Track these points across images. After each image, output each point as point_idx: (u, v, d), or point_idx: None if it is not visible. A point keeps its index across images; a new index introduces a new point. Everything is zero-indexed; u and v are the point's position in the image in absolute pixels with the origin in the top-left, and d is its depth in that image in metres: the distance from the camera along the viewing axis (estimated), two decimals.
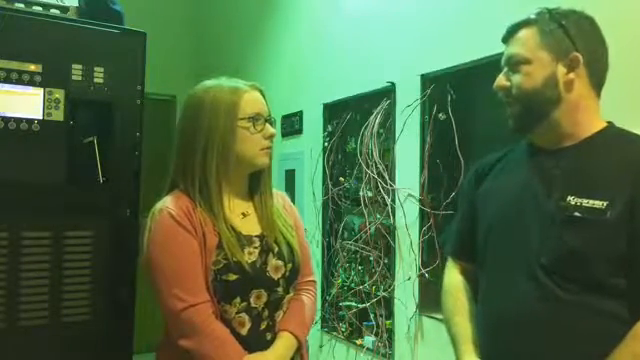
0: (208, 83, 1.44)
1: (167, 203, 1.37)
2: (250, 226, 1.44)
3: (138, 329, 1.80)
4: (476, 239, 1.38)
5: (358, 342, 2.57)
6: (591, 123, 1.25)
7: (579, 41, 1.23)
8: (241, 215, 1.44)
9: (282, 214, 1.52)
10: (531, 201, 1.25)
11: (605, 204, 1.14)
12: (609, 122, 1.27)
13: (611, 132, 1.25)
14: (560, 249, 1.18)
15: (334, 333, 2.76)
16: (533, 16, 1.26)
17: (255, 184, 1.49)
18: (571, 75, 1.22)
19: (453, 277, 1.46)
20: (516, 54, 1.25)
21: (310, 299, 1.52)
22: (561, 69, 1.22)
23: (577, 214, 1.16)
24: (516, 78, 1.26)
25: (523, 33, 1.26)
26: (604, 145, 1.22)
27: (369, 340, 2.49)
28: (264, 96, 1.47)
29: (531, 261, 1.21)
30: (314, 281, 1.58)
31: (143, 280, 1.80)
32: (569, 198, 1.18)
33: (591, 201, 1.15)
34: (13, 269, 1.58)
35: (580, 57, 1.22)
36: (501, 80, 1.29)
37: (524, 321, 1.21)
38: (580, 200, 1.17)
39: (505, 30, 1.31)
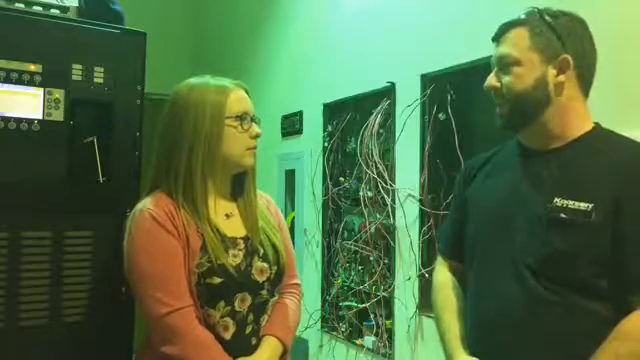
0: (192, 81, 1.41)
1: (148, 204, 1.34)
2: (234, 228, 1.41)
3: (138, 329, 1.80)
4: (465, 239, 1.39)
5: (358, 342, 2.57)
6: (579, 124, 1.25)
7: (569, 43, 1.23)
8: (225, 216, 1.41)
9: (266, 215, 1.49)
10: (519, 202, 1.25)
11: (590, 206, 1.15)
12: (596, 123, 1.28)
13: (598, 134, 1.26)
14: (546, 250, 1.18)
15: (334, 333, 2.76)
16: (523, 16, 1.26)
17: (239, 185, 1.46)
18: (561, 77, 1.23)
19: (443, 275, 1.48)
20: (507, 55, 1.25)
21: (295, 302, 1.50)
22: (551, 71, 1.23)
23: (563, 216, 1.17)
24: (506, 79, 1.26)
25: (514, 33, 1.26)
26: (591, 147, 1.23)
27: (369, 340, 2.49)
28: (249, 95, 1.44)
29: (518, 262, 1.22)
30: (299, 284, 1.55)
31: None
32: (556, 200, 1.18)
33: (577, 203, 1.16)
34: (13, 269, 1.57)
35: (570, 59, 1.22)
36: (491, 80, 1.29)
37: (510, 321, 1.22)
38: (566, 202, 1.17)
39: (497, 28, 1.30)
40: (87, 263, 1.68)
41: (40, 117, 1.64)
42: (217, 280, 1.32)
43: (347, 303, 2.67)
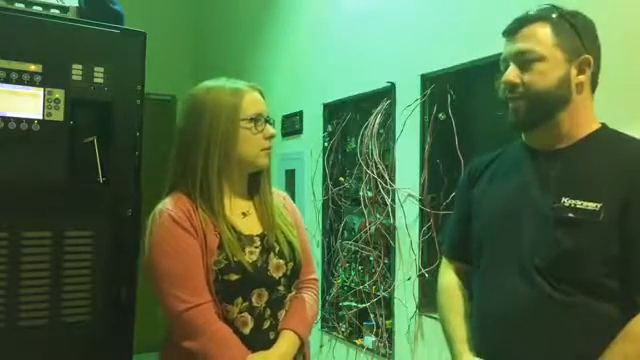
0: (208, 84, 1.44)
1: (167, 205, 1.38)
2: (251, 226, 1.44)
3: (138, 329, 1.80)
4: (470, 240, 1.38)
5: (358, 342, 2.57)
6: (588, 124, 1.25)
7: (588, 43, 1.22)
8: (241, 215, 1.45)
9: (282, 213, 1.52)
10: (526, 202, 1.25)
11: (599, 206, 1.14)
12: (602, 123, 1.27)
13: (605, 133, 1.26)
14: (554, 250, 1.18)
15: (334, 333, 2.76)
16: (543, 13, 1.24)
17: (255, 184, 1.49)
18: (581, 77, 1.22)
19: (448, 277, 1.47)
20: (530, 50, 1.21)
21: (312, 297, 1.53)
22: (573, 70, 1.22)
23: (571, 215, 1.16)
24: (528, 75, 1.22)
25: (536, 29, 1.22)
26: (598, 146, 1.23)
27: (369, 340, 2.49)
28: (263, 96, 1.48)
29: (525, 262, 1.21)
30: (316, 279, 1.58)
31: (143, 280, 1.81)
32: (563, 199, 1.18)
33: (585, 202, 1.16)
34: (13, 269, 1.58)
35: (591, 59, 1.22)
36: (513, 75, 1.23)
37: (518, 321, 1.21)
38: (574, 201, 1.17)
39: (512, 22, 1.27)
40: (87, 263, 1.68)
41: (40, 117, 1.64)
42: (234, 277, 1.35)
43: (347, 303, 2.67)
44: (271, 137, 1.45)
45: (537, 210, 1.22)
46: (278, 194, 1.58)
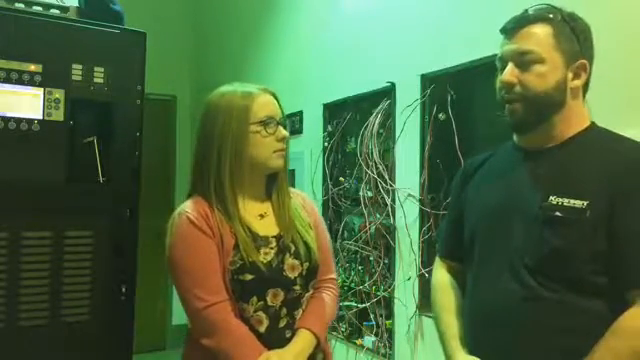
0: (223, 89, 1.47)
1: (186, 208, 1.42)
2: (267, 227, 1.47)
3: (138, 329, 1.80)
4: (463, 239, 1.39)
5: (358, 342, 2.57)
6: (579, 125, 1.25)
7: (586, 48, 1.22)
8: (259, 216, 1.47)
9: (300, 214, 1.54)
10: (516, 201, 1.25)
11: (585, 203, 1.15)
12: (591, 122, 1.27)
13: (593, 132, 1.26)
14: (542, 249, 1.19)
15: (334, 333, 2.76)
16: (545, 13, 1.23)
17: (272, 185, 1.52)
18: (576, 82, 1.22)
19: (441, 275, 1.48)
20: (530, 51, 1.21)
21: (330, 297, 1.55)
22: (569, 74, 1.22)
23: (558, 214, 1.17)
24: (527, 77, 1.22)
25: (536, 30, 1.22)
26: (586, 144, 1.23)
27: (369, 340, 2.49)
28: (277, 99, 1.49)
29: (515, 260, 1.22)
30: (334, 278, 1.60)
31: (143, 280, 1.81)
32: (551, 198, 1.19)
33: (572, 200, 1.16)
34: (13, 269, 1.58)
35: (587, 65, 1.22)
36: (512, 75, 1.22)
37: (509, 320, 1.22)
38: (561, 200, 1.17)
39: (511, 20, 1.26)
40: (87, 263, 1.68)
41: (40, 117, 1.64)
42: (249, 277, 1.38)
43: (347, 303, 2.67)
44: (283, 139, 1.46)
45: (526, 209, 1.23)
46: (297, 194, 1.60)
